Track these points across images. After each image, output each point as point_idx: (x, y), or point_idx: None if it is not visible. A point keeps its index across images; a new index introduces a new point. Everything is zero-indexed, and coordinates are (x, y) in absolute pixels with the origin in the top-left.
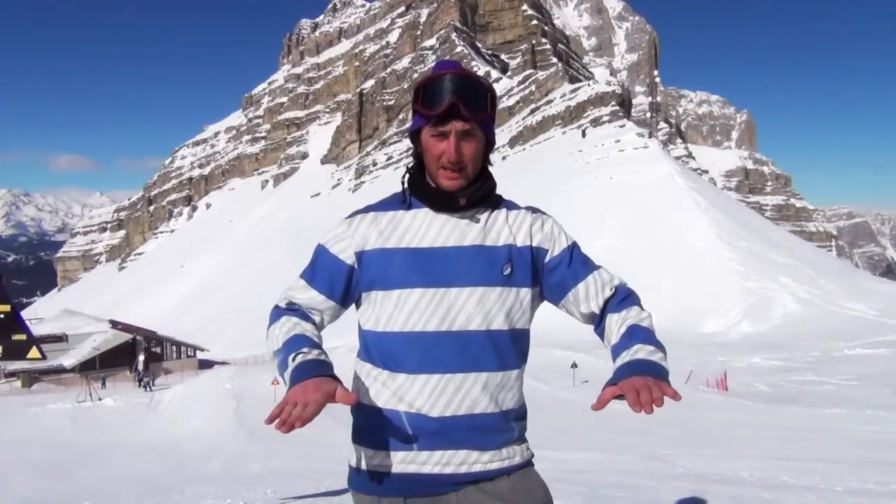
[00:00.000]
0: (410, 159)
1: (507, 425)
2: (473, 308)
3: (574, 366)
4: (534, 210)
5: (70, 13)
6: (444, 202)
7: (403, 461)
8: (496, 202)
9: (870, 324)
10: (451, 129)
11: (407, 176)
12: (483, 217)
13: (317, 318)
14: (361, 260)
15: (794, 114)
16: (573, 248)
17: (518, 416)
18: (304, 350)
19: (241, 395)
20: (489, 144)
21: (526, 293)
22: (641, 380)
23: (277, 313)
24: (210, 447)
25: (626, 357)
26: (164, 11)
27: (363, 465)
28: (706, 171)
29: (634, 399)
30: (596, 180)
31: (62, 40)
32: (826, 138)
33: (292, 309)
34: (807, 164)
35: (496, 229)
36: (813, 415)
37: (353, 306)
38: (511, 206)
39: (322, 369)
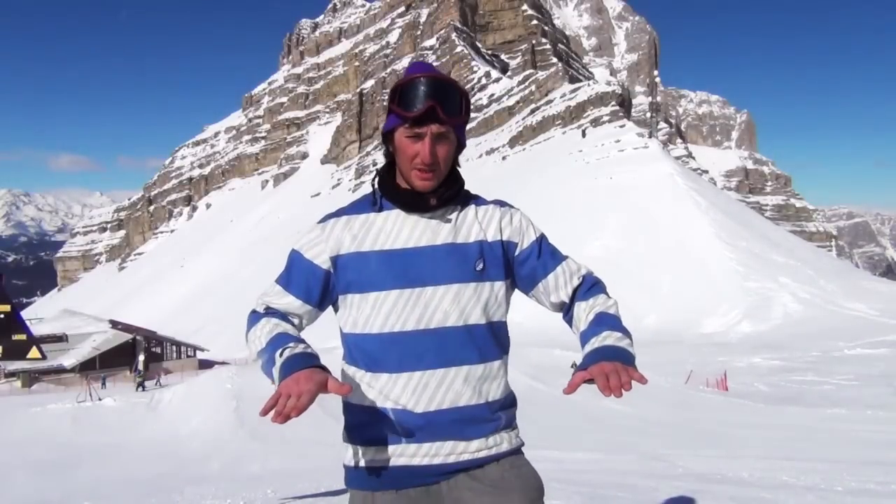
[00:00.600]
0: None
1: (493, 415)
2: (449, 305)
3: (574, 366)
4: (501, 204)
5: (71, 13)
6: (414, 203)
7: (393, 454)
8: (465, 199)
9: (870, 324)
10: (426, 132)
11: (377, 178)
12: (453, 216)
13: (295, 322)
14: (337, 264)
15: (794, 114)
16: (541, 240)
17: (504, 405)
18: (291, 345)
19: (241, 395)
20: (460, 147)
21: (500, 286)
22: (610, 365)
23: (256, 317)
24: (210, 447)
25: (594, 343)
26: (163, 11)
27: (355, 463)
28: (706, 171)
29: (604, 384)
30: (596, 180)
31: (62, 40)
32: (826, 138)
33: (270, 313)
34: (807, 164)
35: (466, 226)
36: (813, 415)
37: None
38: (480, 202)
39: (311, 361)
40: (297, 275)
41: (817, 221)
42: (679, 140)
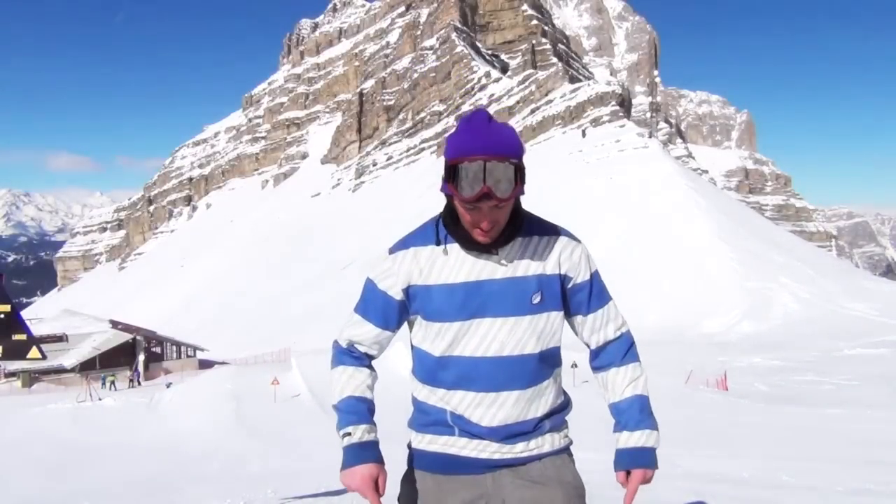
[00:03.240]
0: (410, 160)
1: (538, 426)
2: (506, 336)
3: (574, 366)
4: (564, 234)
5: (71, 13)
6: (475, 243)
7: (445, 444)
8: (527, 229)
9: (870, 324)
10: (483, 207)
11: (440, 220)
12: (512, 250)
13: (374, 352)
14: (409, 294)
15: (794, 114)
16: (594, 278)
17: (551, 413)
18: (350, 430)
19: (241, 395)
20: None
21: (556, 316)
22: (651, 473)
23: (339, 354)
24: (210, 447)
25: (640, 440)
26: (163, 11)
27: (414, 445)
28: (706, 171)
29: (635, 489)
30: (596, 180)
31: (62, 40)
32: (826, 138)
33: (350, 350)
34: (807, 164)
35: (526, 259)
36: (813, 415)
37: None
38: (541, 230)
39: (367, 455)
40: (373, 304)
41: (817, 221)
42: (679, 140)
